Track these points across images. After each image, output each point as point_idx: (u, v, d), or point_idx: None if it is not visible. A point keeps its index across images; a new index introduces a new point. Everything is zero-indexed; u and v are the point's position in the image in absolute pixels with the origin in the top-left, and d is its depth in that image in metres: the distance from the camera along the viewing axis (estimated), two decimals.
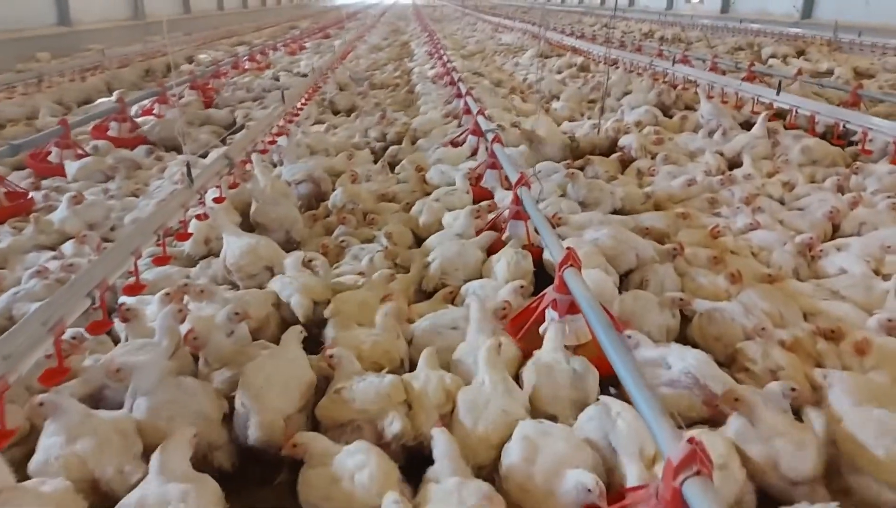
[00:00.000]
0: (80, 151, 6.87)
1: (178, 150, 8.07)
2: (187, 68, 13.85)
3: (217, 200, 4.59)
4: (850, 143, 7.49)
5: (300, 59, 16.20)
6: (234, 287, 4.08)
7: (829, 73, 14.42)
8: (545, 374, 2.89)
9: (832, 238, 5.17)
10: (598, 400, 2.79)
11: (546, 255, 4.24)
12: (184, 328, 3.11)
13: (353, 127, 8.71)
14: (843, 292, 4.11)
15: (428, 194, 6.17)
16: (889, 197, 5.40)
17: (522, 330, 3.32)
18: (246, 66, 14.06)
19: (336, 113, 9.91)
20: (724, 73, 12.40)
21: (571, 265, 3.11)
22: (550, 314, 3.26)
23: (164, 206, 3.81)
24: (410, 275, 4.28)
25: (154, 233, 3.47)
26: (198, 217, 4.24)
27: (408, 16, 40.14)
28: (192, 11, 28.07)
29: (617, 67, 12.92)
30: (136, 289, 3.30)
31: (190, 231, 4.28)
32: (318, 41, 21.04)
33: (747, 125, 8.57)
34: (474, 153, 7.01)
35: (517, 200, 4.45)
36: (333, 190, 5.75)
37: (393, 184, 6.41)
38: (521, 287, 3.69)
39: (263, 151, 6.07)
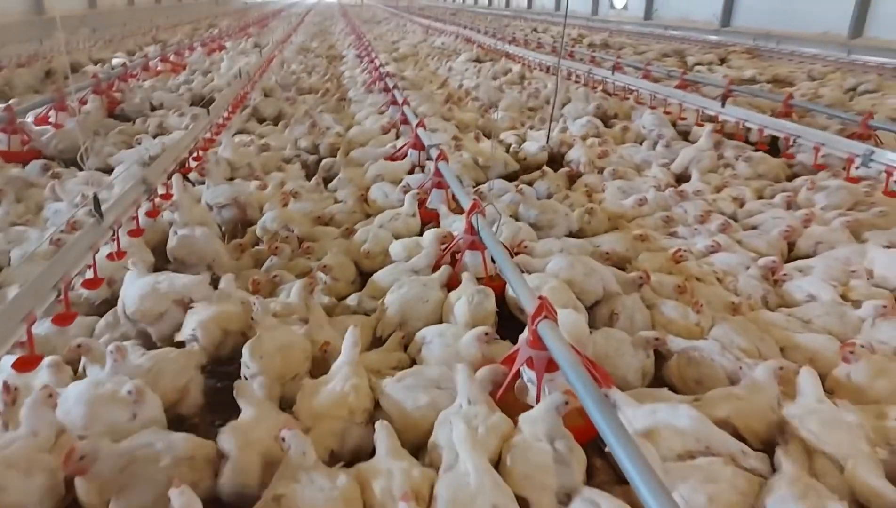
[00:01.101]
0: None
1: (79, 166, 7.21)
2: (93, 70, 12.67)
3: (133, 233, 3.92)
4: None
5: (221, 58, 15.22)
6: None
7: (753, 80, 14.89)
8: (521, 455, 2.46)
9: (789, 257, 5.07)
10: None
11: (510, 291, 3.82)
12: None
13: (282, 137, 8.05)
14: (815, 321, 3.92)
15: (369, 216, 5.67)
16: (841, 214, 5.34)
17: (499, 393, 2.87)
18: (159, 68, 12.99)
19: (261, 121, 9.18)
20: (656, 80, 12.50)
21: (546, 317, 2.70)
22: (526, 373, 2.84)
23: (67, 252, 3.11)
24: (369, 321, 3.78)
25: (54, 289, 2.79)
26: (111, 256, 3.57)
27: (334, 15, 39.15)
28: (99, 6, 26.14)
29: (554, 75, 12.76)
30: (29, 364, 2.63)
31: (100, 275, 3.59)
32: (238, 40, 19.95)
33: (685, 135, 8.57)
34: (414, 168, 6.54)
35: (472, 229, 4.02)
36: (262, 214, 5.15)
37: (330, 204, 5.84)
38: (486, 334, 3.26)
39: (186, 170, 5.37)
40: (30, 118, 8.06)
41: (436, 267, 4.11)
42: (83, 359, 3.12)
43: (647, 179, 6.74)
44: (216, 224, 5.06)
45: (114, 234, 3.46)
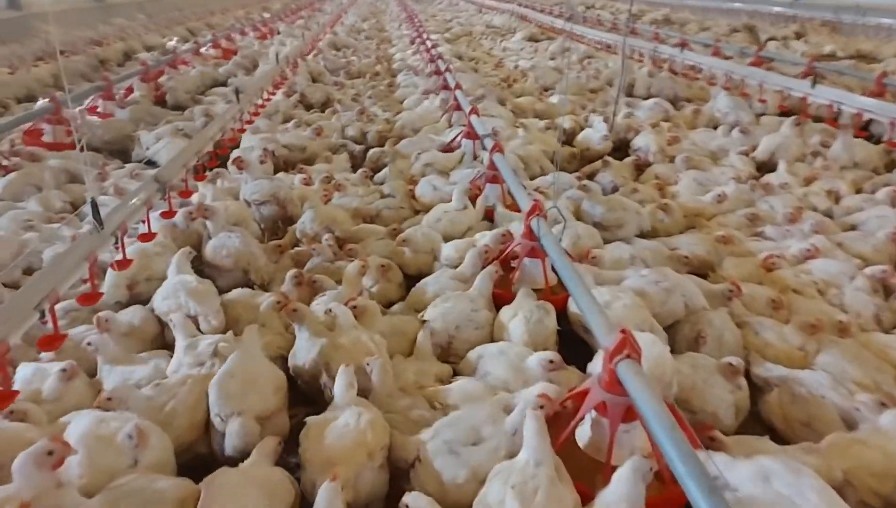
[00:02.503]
0: (4, 163, 5.80)
1: (127, 156, 7.04)
2: (144, 57, 12.63)
3: (144, 237, 3.60)
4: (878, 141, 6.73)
5: (271, 43, 15.02)
6: None
7: (834, 56, 13.68)
8: None
9: None
10: None
11: (573, 307, 3.34)
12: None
13: (330, 124, 7.68)
14: None
15: (419, 212, 5.24)
16: None
17: (560, 440, 2.41)
18: (211, 54, 12.85)
19: (308, 108, 8.85)
20: (727, 58, 11.56)
21: (629, 356, 2.21)
22: (599, 422, 2.37)
23: (55, 267, 2.77)
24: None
25: (36, 310, 2.46)
26: (116, 265, 3.26)
27: None
28: None
29: (615, 54, 12.00)
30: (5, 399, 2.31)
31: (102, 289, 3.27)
32: (290, 23, 19.75)
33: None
34: (471, 158, 6.07)
35: (531, 234, 3.53)
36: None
37: (376, 199, 5.44)
38: (551, 362, 2.79)
39: (212, 163, 5.06)
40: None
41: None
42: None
43: (725, 169, 6.06)
44: (255, 221, 4.74)
45: (117, 242, 3.13)
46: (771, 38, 15.64)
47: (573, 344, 3.38)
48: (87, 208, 3.05)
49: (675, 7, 24.02)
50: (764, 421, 3.01)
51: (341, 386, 2.60)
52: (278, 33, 17.23)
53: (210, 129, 5.18)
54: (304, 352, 3.05)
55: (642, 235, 4.62)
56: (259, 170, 4.87)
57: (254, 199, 4.75)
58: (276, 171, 6.46)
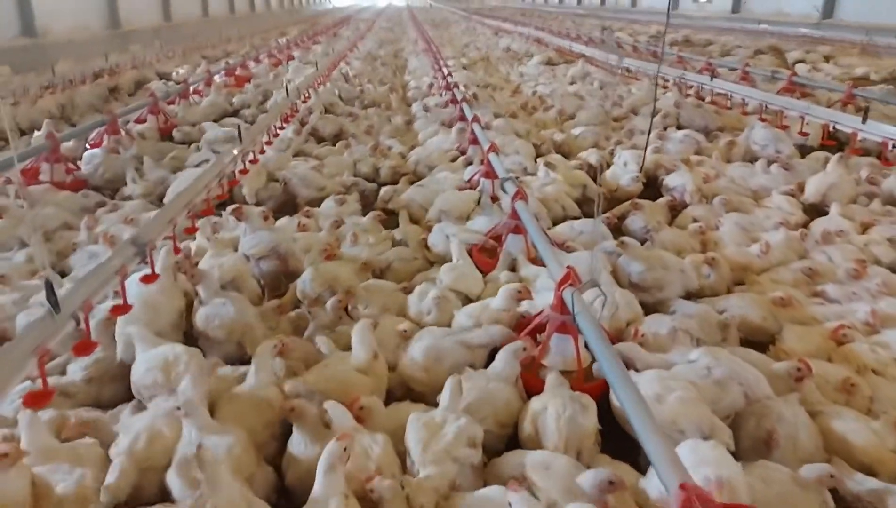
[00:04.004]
0: None
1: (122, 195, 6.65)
2: (156, 86, 12.43)
3: (117, 310, 3.16)
4: None
5: (287, 70, 14.79)
6: None
7: (867, 78, 13.13)
8: None
9: None
10: None
11: (615, 399, 2.82)
12: None
13: (341, 161, 7.27)
14: None
15: (433, 264, 4.77)
16: None
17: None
18: (224, 82, 12.60)
19: (320, 141, 8.47)
20: (753, 83, 11.05)
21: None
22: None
23: None
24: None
25: None
26: (77, 349, 2.81)
27: (403, 20, 38.76)
28: (174, 19, 26.57)
29: (638, 80, 11.54)
30: None
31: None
32: (306, 48, 19.61)
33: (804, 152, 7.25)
34: (489, 200, 5.60)
35: (563, 307, 3.03)
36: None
37: (387, 247, 4.99)
38: (610, 483, 2.26)
39: (207, 212, 4.65)
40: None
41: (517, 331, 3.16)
42: None
43: (769, 211, 5.53)
44: (254, 277, 4.30)
45: (78, 324, 2.68)
46: (799, 61, 15.09)
47: (616, 437, 2.86)
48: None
49: (697, 28, 23.58)
50: None
51: None
52: (292, 59, 17.07)
53: (204, 178, 4.75)
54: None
55: (686, 296, 4.10)
56: (259, 221, 4.44)
57: (252, 254, 4.32)
58: (286, 205, 6.10)
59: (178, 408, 2.50)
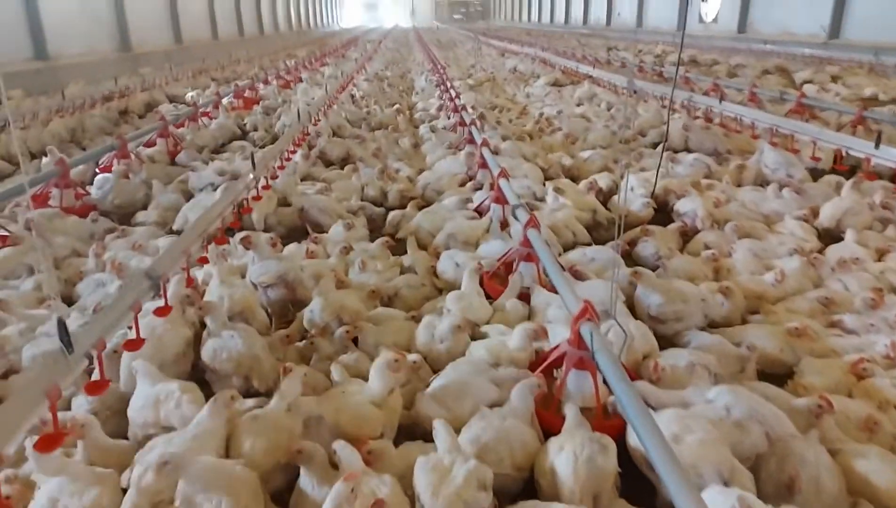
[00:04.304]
0: (2, 236, 5.42)
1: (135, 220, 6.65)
2: (166, 109, 12.52)
3: (131, 345, 3.12)
4: None
5: (295, 91, 14.90)
6: None
7: (875, 99, 13.12)
8: None
9: None
10: None
11: (633, 439, 2.75)
12: None
13: (348, 184, 7.27)
14: None
15: (441, 291, 4.73)
16: None
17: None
18: (232, 105, 12.69)
19: (328, 165, 8.48)
20: (761, 104, 11.03)
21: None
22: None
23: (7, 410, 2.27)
24: None
25: None
26: (90, 388, 2.76)
27: (409, 41, 39.12)
28: (185, 41, 26.93)
29: (646, 101, 11.54)
30: None
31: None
32: (314, 70, 19.77)
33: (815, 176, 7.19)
34: (499, 226, 5.56)
35: (580, 343, 2.97)
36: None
37: (396, 274, 4.95)
38: None
39: (221, 240, 4.63)
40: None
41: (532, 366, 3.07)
42: None
43: (783, 238, 5.46)
44: (263, 307, 4.26)
45: (91, 363, 2.64)
46: (807, 81, 15.09)
47: (633, 479, 2.78)
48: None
49: (703, 49, 23.67)
50: None
51: None
52: (301, 81, 17.20)
53: (218, 206, 4.74)
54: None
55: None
56: (267, 249, 4.41)
57: (260, 282, 4.28)
58: (294, 231, 6.08)
59: (166, 462, 2.43)
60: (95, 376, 2.86)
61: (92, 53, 19.53)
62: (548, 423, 2.96)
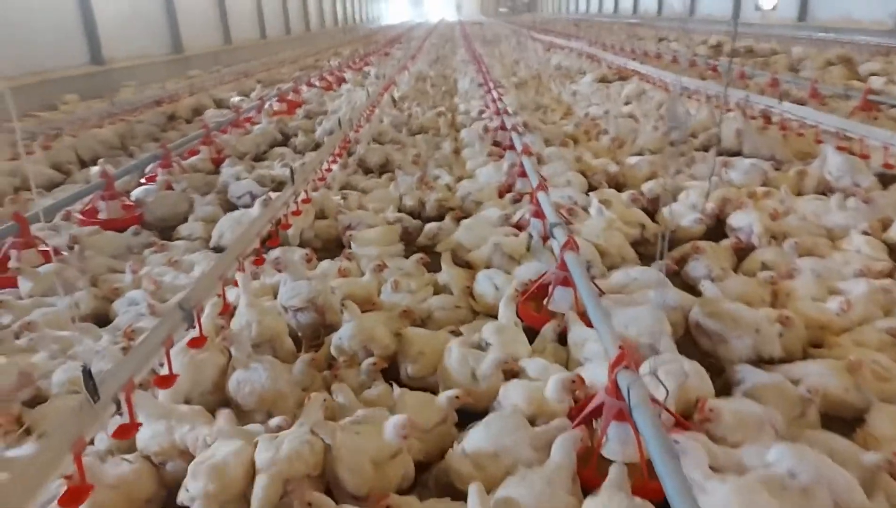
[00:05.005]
0: (45, 251, 5.50)
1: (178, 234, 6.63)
2: (211, 114, 12.68)
3: (162, 382, 3.04)
4: None
5: (340, 94, 14.89)
6: None
7: None
8: None
9: None
10: None
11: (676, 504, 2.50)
12: None
13: (387, 194, 7.14)
14: None
15: (477, 314, 4.53)
16: None
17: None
18: (275, 109, 12.76)
19: (367, 172, 8.38)
20: (823, 100, 10.36)
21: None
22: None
23: (27, 467, 2.16)
24: None
25: None
26: (118, 433, 2.68)
27: (454, 36, 38.86)
28: (234, 41, 27.41)
29: (698, 101, 11.01)
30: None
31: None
32: (358, 70, 19.78)
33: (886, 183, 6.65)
34: (540, 242, 5.31)
35: (617, 391, 2.73)
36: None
37: (430, 294, 4.77)
38: None
39: (258, 261, 4.54)
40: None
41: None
42: None
43: (848, 254, 5.05)
44: (290, 333, 4.16)
45: (119, 409, 2.56)
46: (873, 74, 14.16)
47: None
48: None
49: (759, 36, 22.59)
50: None
51: None
52: (345, 82, 17.21)
53: (255, 226, 4.66)
54: None
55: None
56: (300, 271, 4.30)
57: (290, 306, 4.18)
58: (331, 243, 5.99)
59: None
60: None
61: (145, 56, 20.03)
62: (586, 479, 2.74)
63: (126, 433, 2.66)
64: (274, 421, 3.11)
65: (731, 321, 3.76)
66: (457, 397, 3.23)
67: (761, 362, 3.70)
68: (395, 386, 3.48)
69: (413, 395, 3.36)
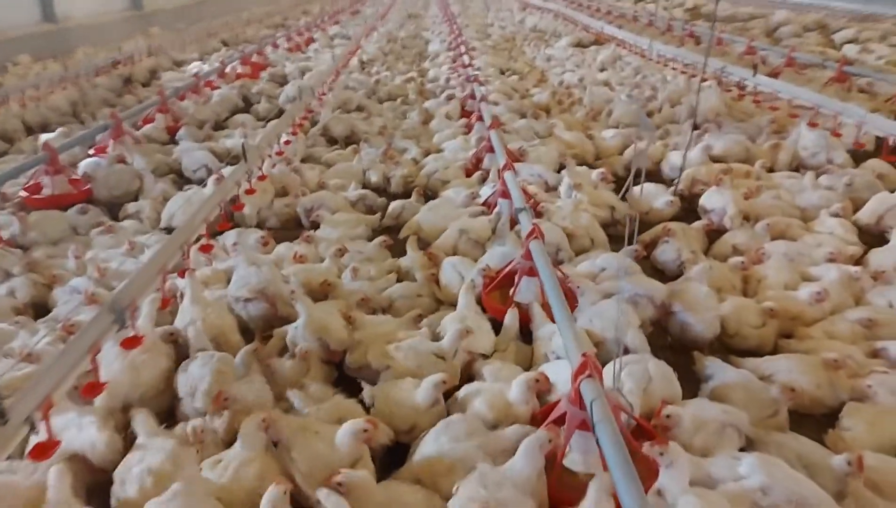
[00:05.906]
0: None
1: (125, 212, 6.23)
2: (169, 78, 12.08)
3: (89, 389, 2.80)
4: None
5: (307, 56, 14.28)
6: None
7: None
8: None
9: None
10: None
11: None
12: None
13: (349, 168, 6.83)
14: None
15: (441, 303, 4.34)
16: None
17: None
18: (238, 72, 12.19)
19: (332, 143, 8.02)
20: (800, 69, 10.20)
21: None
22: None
23: None
24: None
25: None
26: (34, 454, 2.46)
27: None
28: None
29: (674, 70, 10.77)
30: None
31: None
32: (325, 30, 19.02)
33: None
34: (508, 225, 5.08)
35: (580, 401, 2.56)
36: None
37: (392, 281, 4.55)
38: None
39: (206, 248, 4.25)
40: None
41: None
42: None
43: (819, 236, 4.94)
44: (239, 328, 3.89)
45: (33, 429, 2.33)
46: (849, 41, 14.03)
47: None
48: None
49: (737, 2, 22.24)
50: None
51: None
52: (313, 41, 16.55)
53: (202, 210, 4.35)
54: None
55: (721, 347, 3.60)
56: (253, 254, 4.06)
57: (238, 296, 3.93)
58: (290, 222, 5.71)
59: None
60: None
61: (102, 13, 18.99)
62: (550, 490, 2.59)
63: (44, 452, 2.44)
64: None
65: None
66: (443, 381, 3.08)
67: (729, 352, 3.60)
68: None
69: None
